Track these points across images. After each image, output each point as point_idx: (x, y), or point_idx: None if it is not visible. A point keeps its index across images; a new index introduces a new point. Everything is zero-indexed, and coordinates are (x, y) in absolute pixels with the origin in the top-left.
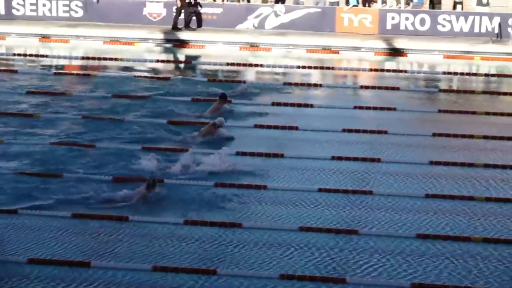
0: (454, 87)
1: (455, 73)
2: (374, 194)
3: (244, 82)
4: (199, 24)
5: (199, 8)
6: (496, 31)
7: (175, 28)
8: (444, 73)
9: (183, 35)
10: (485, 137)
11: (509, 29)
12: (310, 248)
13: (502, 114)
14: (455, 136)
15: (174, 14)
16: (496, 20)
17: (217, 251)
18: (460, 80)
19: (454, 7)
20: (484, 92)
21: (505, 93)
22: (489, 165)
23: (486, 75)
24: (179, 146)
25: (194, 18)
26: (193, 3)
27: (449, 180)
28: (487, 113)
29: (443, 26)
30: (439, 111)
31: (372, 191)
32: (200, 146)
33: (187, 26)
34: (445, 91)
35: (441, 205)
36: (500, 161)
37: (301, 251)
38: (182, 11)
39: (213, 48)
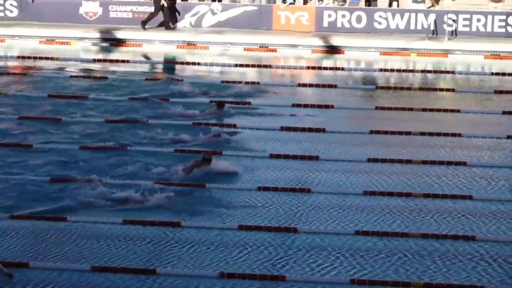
0: (391, 84)
1: (392, 70)
2: (313, 192)
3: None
4: (174, 21)
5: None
6: (432, 27)
7: (168, 28)
8: (381, 70)
9: (120, 34)
10: (422, 134)
11: (444, 26)
12: (250, 247)
13: (438, 110)
14: (393, 133)
15: (163, 15)
16: (432, 17)
17: (157, 250)
18: (397, 77)
19: (390, 4)
20: (421, 89)
21: (441, 89)
22: (426, 161)
23: (423, 71)
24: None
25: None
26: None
27: (388, 177)
28: (424, 110)
29: (379, 23)
30: (376, 108)
31: (310, 188)
32: None
33: (167, 27)
34: (382, 88)
35: (379, 202)
36: (438, 157)
37: (241, 249)
38: (162, 10)
39: (150, 47)
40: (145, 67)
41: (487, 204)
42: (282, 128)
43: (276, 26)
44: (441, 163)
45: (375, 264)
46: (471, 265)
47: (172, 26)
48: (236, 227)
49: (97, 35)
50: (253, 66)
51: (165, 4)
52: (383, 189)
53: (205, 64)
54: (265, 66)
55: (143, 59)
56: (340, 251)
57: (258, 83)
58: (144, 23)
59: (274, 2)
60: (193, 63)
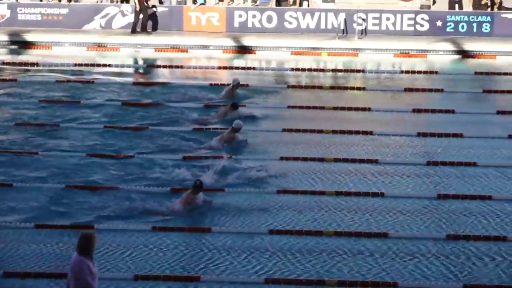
0: (303, 83)
1: (303, 69)
2: (226, 192)
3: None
4: (155, 27)
5: (155, 9)
6: (342, 27)
7: (134, 31)
8: (292, 69)
9: (29, 36)
10: (334, 132)
11: (354, 25)
12: (164, 248)
13: (349, 108)
14: (305, 131)
15: (133, 17)
16: (342, 16)
17: (69, 253)
18: (308, 76)
19: (300, 4)
20: (332, 87)
21: (352, 88)
22: (338, 159)
23: (334, 70)
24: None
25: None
26: (149, 5)
27: (300, 175)
28: (335, 108)
29: (290, 23)
30: (288, 107)
31: (224, 189)
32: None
33: (144, 29)
34: (293, 87)
35: (293, 200)
36: (350, 155)
37: (155, 251)
38: (141, 14)
39: (60, 49)
40: (56, 69)
41: (399, 201)
42: (195, 129)
43: (187, 27)
44: (353, 161)
45: (290, 263)
46: (384, 262)
47: (138, 30)
48: (149, 229)
49: (5, 37)
50: (164, 67)
51: (142, 8)
52: (296, 188)
53: (116, 66)
54: (177, 67)
55: (53, 61)
56: (254, 250)
57: (169, 83)
58: (133, 29)
59: (185, 3)
60: (104, 65)
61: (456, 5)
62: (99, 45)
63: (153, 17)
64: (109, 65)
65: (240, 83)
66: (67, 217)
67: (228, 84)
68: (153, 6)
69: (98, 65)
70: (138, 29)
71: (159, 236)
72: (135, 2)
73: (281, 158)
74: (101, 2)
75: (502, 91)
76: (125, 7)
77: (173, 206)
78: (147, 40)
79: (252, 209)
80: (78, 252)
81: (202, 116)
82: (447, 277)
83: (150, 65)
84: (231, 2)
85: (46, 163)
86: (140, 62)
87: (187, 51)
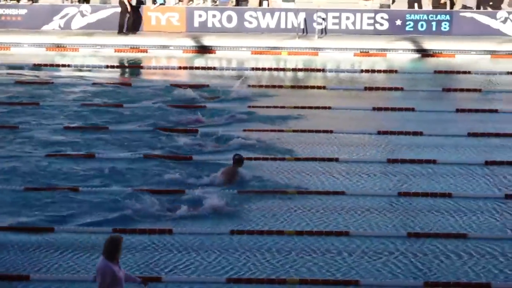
0: (263, 82)
1: (263, 69)
2: (186, 193)
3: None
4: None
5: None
6: (302, 26)
7: (121, 32)
8: (253, 69)
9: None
10: (295, 131)
11: (314, 24)
12: (128, 249)
13: (310, 107)
14: (266, 131)
15: (119, 18)
16: (302, 15)
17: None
18: (268, 76)
19: (260, 4)
20: (292, 87)
21: (312, 87)
22: (299, 158)
23: (294, 69)
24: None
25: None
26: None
27: (262, 174)
28: (296, 107)
29: (250, 22)
30: (249, 106)
31: (185, 190)
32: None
33: (130, 30)
34: (254, 86)
35: (253, 200)
36: (310, 154)
37: None
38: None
39: (18, 50)
40: (14, 70)
41: (359, 199)
42: (155, 129)
43: (146, 27)
44: (313, 159)
45: (251, 262)
46: (345, 260)
47: (125, 32)
48: (111, 231)
49: None
50: (124, 67)
51: (128, 8)
52: (257, 188)
53: (76, 66)
54: (137, 67)
55: (11, 62)
56: (216, 251)
57: (130, 84)
58: (120, 29)
59: (144, 3)
60: (63, 65)
61: (416, 4)
62: (58, 46)
63: (137, 17)
64: (68, 66)
65: (200, 83)
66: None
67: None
68: (138, 7)
69: (58, 65)
70: (125, 30)
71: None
72: (121, 4)
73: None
74: (62, 2)
75: (461, 89)
76: (84, 7)
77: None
78: (107, 40)
79: (213, 210)
80: (104, 255)
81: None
82: (408, 274)
83: (109, 66)
84: (190, 2)
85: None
86: (100, 62)
87: (147, 51)
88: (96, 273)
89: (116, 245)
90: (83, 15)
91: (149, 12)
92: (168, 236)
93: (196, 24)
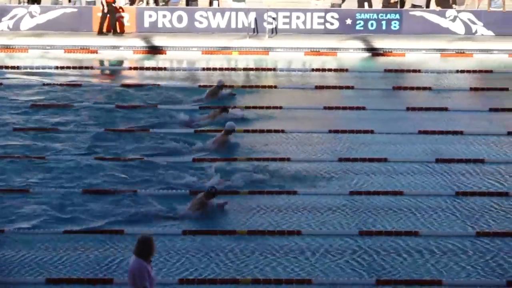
0: (214, 83)
1: (214, 69)
2: (138, 194)
3: None
4: (121, 29)
5: (122, 13)
6: (253, 26)
7: (100, 33)
8: (204, 69)
9: None
10: (246, 131)
11: (265, 24)
12: (77, 250)
13: (261, 107)
14: (216, 131)
15: (100, 18)
16: (252, 15)
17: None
18: (219, 75)
19: (211, 4)
20: (243, 86)
21: (263, 86)
22: (251, 158)
23: (245, 69)
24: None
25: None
26: (117, 8)
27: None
28: (247, 107)
29: (201, 22)
30: (200, 107)
31: (137, 190)
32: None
33: (115, 31)
34: (205, 86)
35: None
36: (262, 154)
37: (68, 253)
38: (108, 16)
39: None
40: None
41: (311, 199)
42: (107, 130)
43: (96, 27)
44: (265, 159)
45: (203, 263)
46: (298, 260)
47: (106, 32)
48: (62, 232)
49: None
50: (74, 68)
51: (112, 9)
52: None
53: (25, 68)
54: (87, 68)
55: None
56: (168, 251)
57: (80, 85)
58: (100, 29)
59: (94, 4)
60: (12, 67)
61: (366, 4)
62: (7, 47)
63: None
64: (18, 67)
65: (151, 83)
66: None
67: (210, 86)
68: (120, 8)
69: (6, 67)
70: (107, 31)
71: (72, 239)
72: (102, 4)
73: (193, 160)
74: (10, 3)
75: (412, 88)
76: (33, 8)
77: (183, 212)
78: (56, 41)
79: (164, 210)
80: (136, 255)
81: (191, 118)
82: (360, 272)
83: (59, 67)
84: (141, 2)
85: None
86: (50, 63)
87: (97, 52)
88: (129, 273)
89: (150, 245)
90: (32, 16)
91: (98, 13)
92: (120, 237)
93: (146, 25)
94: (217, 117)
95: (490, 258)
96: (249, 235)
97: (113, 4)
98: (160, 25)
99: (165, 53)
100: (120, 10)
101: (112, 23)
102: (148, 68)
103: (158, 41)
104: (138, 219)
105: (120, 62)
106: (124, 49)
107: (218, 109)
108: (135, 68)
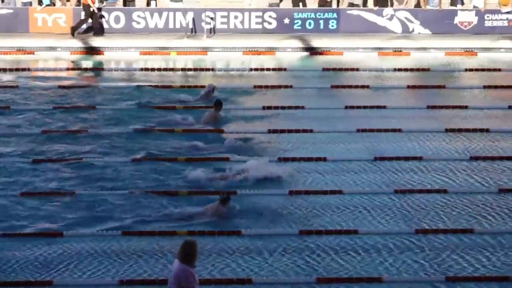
0: (153, 83)
1: (152, 69)
2: (77, 194)
3: None
4: (102, 30)
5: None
6: (191, 26)
7: (97, 33)
8: (142, 69)
9: None
10: (185, 131)
11: (202, 24)
12: (15, 252)
13: (200, 107)
14: (160, 131)
15: (93, 21)
16: (190, 15)
17: None
18: (157, 75)
19: (148, 4)
20: (182, 86)
21: (202, 86)
22: (190, 159)
23: (183, 69)
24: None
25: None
26: (97, 10)
27: (148, 175)
28: (186, 107)
29: (138, 23)
30: (139, 106)
31: (75, 191)
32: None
33: (96, 33)
34: (143, 86)
35: (143, 201)
36: (201, 154)
37: (4, 256)
38: (91, 16)
39: None
40: None
41: (251, 199)
42: (44, 132)
43: (33, 28)
44: (203, 160)
45: (144, 264)
46: (238, 259)
47: (78, 32)
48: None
49: None
50: (10, 70)
51: (95, 10)
52: (150, 188)
53: None
54: (24, 69)
55: None
56: (107, 253)
57: (17, 86)
58: (74, 29)
59: (30, 5)
60: None
61: (300, 3)
62: None
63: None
64: None
65: (89, 84)
66: None
67: (202, 89)
68: (99, 9)
69: None
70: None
71: (11, 242)
72: (83, 6)
73: (133, 160)
74: None
75: (350, 86)
76: None
77: (201, 214)
78: None
79: (103, 211)
80: (180, 259)
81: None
82: (301, 271)
83: None
84: (78, 3)
85: None
86: None
87: (33, 53)
88: (174, 279)
89: (194, 249)
90: None
91: (35, 13)
92: (60, 239)
93: (83, 25)
94: (215, 117)
95: (429, 255)
96: (189, 236)
97: (92, 6)
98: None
99: (103, 54)
100: (100, 11)
101: (95, 24)
102: (86, 69)
103: (95, 41)
104: (77, 223)
105: (26, 63)
106: (61, 50)
107: (213, 109)
108: (73, 69)
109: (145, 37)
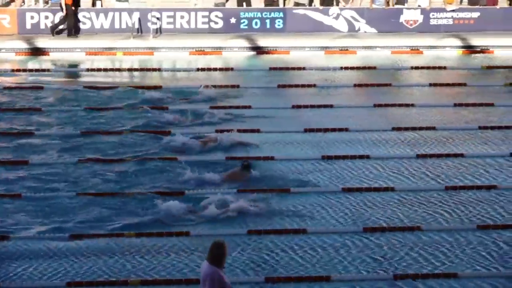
0: (99, 83)
1: (99, 70)
2: (22, 197)
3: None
4: (77, 31)
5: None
6: (137, 26)
7: (53, 33)
8: (88, 70)
9: None
10: (132, 131)
11: (149, 24)
12: None
13: (153, 108)
14: (107, 133)
15: (58, 21)
16: (136, 15)
17: None
18: (104, 76)
19: (94, 4)
20: (129, 87)
21: (148, 87)
22: (137, 158)
23: (129, 70)
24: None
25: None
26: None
27: (96, 177)
28: (133, 108)
29: (84, 23)
30: (85, 108)
31: (20, 194)
32: None
33: (70, 34)
34: (90, 88)
35: (91, 203)
36: (147, 155)
37: None
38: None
39: None
40: None
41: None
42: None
43: None
44: (151, 159)
45: (92, 265)
46: (187, 259)
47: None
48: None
49: None
50: None
51: (68, 11)
52: (97, 190)
53: None
54: None
55: None
56: (55, 255)
57: None
58: (53, 29)
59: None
60: None
61: (244, 3)
62: None
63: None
64: None
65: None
66: None
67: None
68: (75, 11)
69: None
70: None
71: None
72: (61, 7)
73: (79, 161)
74: None
75: (296, 85)
76: None
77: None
78: None
79: (50, 213)
80: (210, 261)
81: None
82: (249, 271)
83: None
84: (22, 4)
85: None
86: None
87: None
88: (208, 281)
89: (224, 250)
90: None
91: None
92: (5, 242)
93: (28, 26)
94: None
95: (377, 253)
96: (137, 237)
97: (72, 7)
98: (42, 26)
99: (48, 55)
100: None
101: (70, 25)
102: (31, 70)
103: (40, 42)
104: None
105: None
106: (6, 52)
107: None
108: (18, 70)
109: (91, 37)
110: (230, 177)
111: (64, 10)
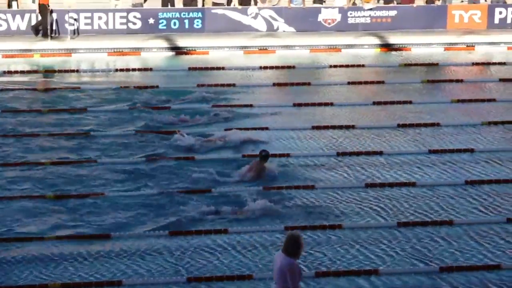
0: (16, 86)
1: (16, 72)
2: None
3: None
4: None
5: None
6: (54, 27)
7: (36, 33)
8: (5, 72)
9: None
10: (51, 135)
11: (66, 25)
12: None
13: (64, 110)
14: (22, 136)
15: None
16: (53, 16)
17: None
18: (20, 79)
19: (9, 5)
20: (46, 89)
21: (66, 88)
22: (56, 162)
23: (47, 71)
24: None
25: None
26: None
27: (23, 180)
28: (51, 110)
29: (0, 25)
30: (3, 111)
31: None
32: None
33: (45, 35)
34: (5, 90)
35: (16, 206)
36: (68, 158)
37: None
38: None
39: None
40: None
41: (119, 200)
42: None
43: None
44: (68, 163)
45: (10, 269)
46: (108, 262)
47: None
48: None
49: None
50: None
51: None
52: (19, 193)
53: None
54: None
55: None
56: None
57: None
58: (35, 29)
59: None
60: None
61: (169, 3)
62: None
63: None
64: None
65: None
66: None
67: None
68: (51, 11)
69: None
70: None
71: None
72: (40, 6)
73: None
74: None
75: (216, 85)
76: None
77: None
78: None
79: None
80: (286, 253)
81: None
82: (171, 271)
83: None
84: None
85: None
86: None
87: None
88: (279, 271)
89: (299, 242)
90: None
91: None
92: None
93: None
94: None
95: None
96: (57, 240)
97: (48, 6)
98: None
99: None
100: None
101: (44, 25)
102: None
103: None
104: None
105: None
106: None
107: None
108: None
109: (7, 39)
110: (252, 170)
111: (45, 10)
